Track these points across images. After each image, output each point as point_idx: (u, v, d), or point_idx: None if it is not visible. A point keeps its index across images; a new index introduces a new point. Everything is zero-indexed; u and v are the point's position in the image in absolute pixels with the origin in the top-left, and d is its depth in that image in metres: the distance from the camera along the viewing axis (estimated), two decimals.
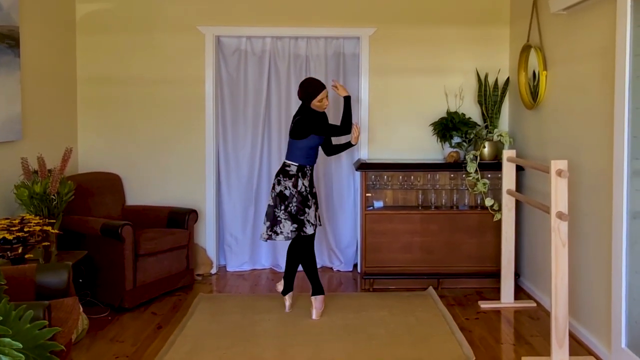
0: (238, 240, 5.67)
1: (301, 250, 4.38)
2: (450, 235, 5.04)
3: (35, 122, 4.64)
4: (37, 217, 3.89)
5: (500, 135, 5.01)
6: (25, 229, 3.72)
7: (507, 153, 4.55)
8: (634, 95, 3.27)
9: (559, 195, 3.54)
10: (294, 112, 5.52)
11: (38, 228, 3.78)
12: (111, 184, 5.28)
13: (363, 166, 5.10)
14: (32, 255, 3.69)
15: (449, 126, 5.26)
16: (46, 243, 3.89)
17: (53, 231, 3.95)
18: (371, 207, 5.13)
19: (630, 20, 3.25)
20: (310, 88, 4.29)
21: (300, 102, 4.42)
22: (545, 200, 3.84)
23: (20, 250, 3.63)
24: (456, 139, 5.34)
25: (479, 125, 5.32)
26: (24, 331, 2.38)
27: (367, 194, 5.14)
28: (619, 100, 3.35)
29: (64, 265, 3.26)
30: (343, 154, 5.61)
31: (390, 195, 5.28)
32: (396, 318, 4.30)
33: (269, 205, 4.34)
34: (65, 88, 5.25)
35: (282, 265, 5.65)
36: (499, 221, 4.76)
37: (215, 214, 5.56)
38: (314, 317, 4.29)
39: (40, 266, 3.25)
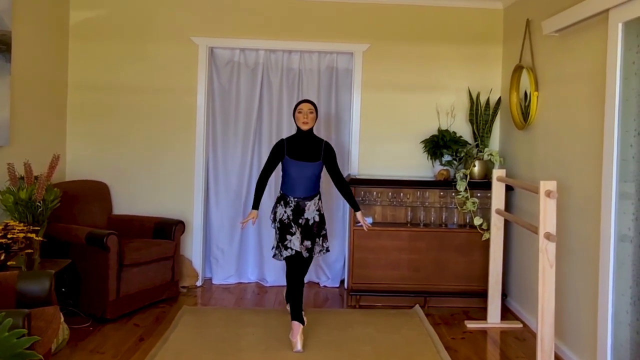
0: (225, 253, 5.63)
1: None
2: (438, 253, 5.02)
3: (24, 128, 4.59)
4: (22, 224, 3.83)
5: (491, 154, 5.03)
6: (9, 236, 3.66)
7: (497, 172, 4.55)
8: (623, 118, 3.29)
9: (547, 216, 3.54)
10: (285, 125, 5.57)
11: (22, 235, 3.73)
12: (98, 192, 5.23)
13: (353, 181, 5.08)
14: (14, 263, 3.64)
15: (439, 144, 5.27)
16: (29, 250, 3.83)
17: (37, 238, 3.89)
18: (360, 224, 5.09)
19: (621, 43, 3.29)
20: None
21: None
22: (534, 221, 3.84)
23: (2, 257, 3.57)
24: (447, 157, 5.35)
25: (470, 144, 5.34)
26: (1, 339, 2.34)
27: None
28: (609, 123, 3.37)
29: (46, 273, 3.21)
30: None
31: (379, 212, 5.27)
32: (382, 336, 4.27)
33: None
34: (56, 94, 5.21)
35: (268, 280, 5.63)
36: (487, 240, 4.76)
37: (202, 226, 5.53)
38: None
39: (22, 274, 3.21)
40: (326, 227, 4.41)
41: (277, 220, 4.24)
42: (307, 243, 4.23)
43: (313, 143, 4.28)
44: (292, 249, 4.14)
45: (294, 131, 4.47)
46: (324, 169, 4.34)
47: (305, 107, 4.26)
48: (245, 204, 5.61)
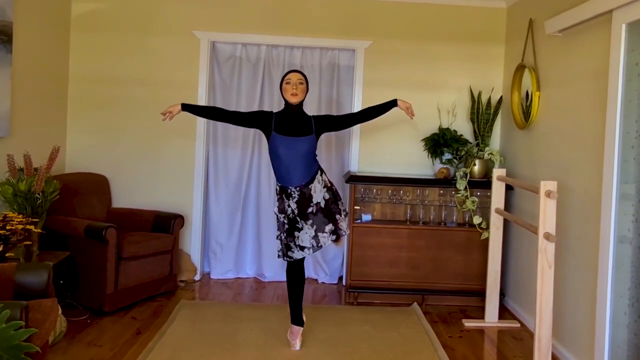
0: (223, 248, 5.63)
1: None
2: (437, 251, 5.02)
3: (24, 119, 4.58)
4: (20, 216, 3.83)
5: (491, 153, 5.02)
6: (7, 227, 3.66)
7: (497, 172, 4.55)
8: (625, 119, 3.29)
9: (547, 216, 3.54)
10: None
11: (20, 227, 3.72)
12: (98, 185, 5.22)
13: (352, 178, 5.07)
14: (12, 254, 3.63)
15: (440, 142, 5.26)
16: (28, 242, 3.83)
17: (36, 230, 3.89)
18: (359, 220, 5.10)
19: (624, 44, 3.27)
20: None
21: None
22: (534, 221, 3.84)
23: (0, 249, 3.57)
24: (447, 156, 5.35)
25: (470, 143, 5.33)
26: None
27: (356, 207, 5.12)
28: (610, 124, 3.36)
29: (45, 265, 3.21)
30: (333, 163, 5.61)
31: (378, 209, 5.27)
32: (379, 333, 4.27)
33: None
34: (57, 86, 5.20)
35: (266, 275, 5.62)
36: (486, 240, 4.76)
37: (201, 220, 5.52)
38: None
39: (20, 265, 3.20)
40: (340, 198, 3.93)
41: (284, 214, 3.82)
42: (330, 227, 3.77)
43: (302, 119, 3.80)
44: (303, 248, 3.75)
45: None
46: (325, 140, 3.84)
47: (294, 77, 3.78)
48: (245, 199, 5.61)
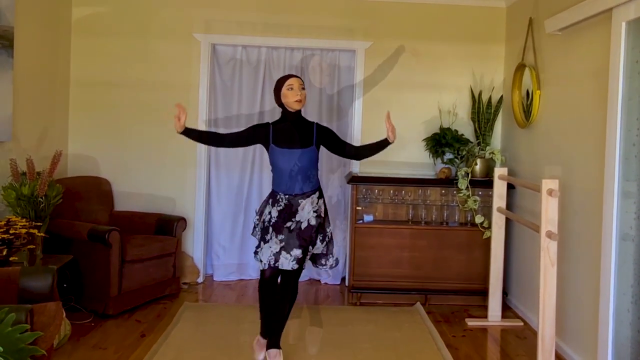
0: (226, 250, 5.64)
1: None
2: (439, 251, 5.02)
3: (26, 124, 4.60)
4: (24, 220, 3.84)
5: (493, 152, 5.03)
6: (11, 231, 3.67)
7: (499, 171, 4.55)
8: (626, 116, 3.29)
9: (549, 215, 3.54)
10: None
11: (24, 231, 3.73)
12: (100, 188, 5.23)
13: (354, 179, 5.09)
14: (16, 258, 3.64)
15: (441, 142, 5.27)
16: (32, 246, 3.84)
17: (39, 234, 3.90)
18: (361, 221, 5.11)
19: (625, 42, 3.28)
20: (276, 83, 3.62)
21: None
22: (536, 219, 3.84)
23: (4, 253, 3.58)
24: (448, 155, 5.35)
25: (472, 142, 5.33)
26: (4, 335, 2.35)
27: (358, 207, 5.13)
28: (611, 122, 3.37)
29: (49, 269, 3.22)
30: (335, 164, 5.62)
31: (380, 210, 5.27)
32: (382, 333, 4.27)
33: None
34: (58, 90, 5.21)
35: None
36: (489, 239, 4.76)
37: (204, 223, 5.53)
38: None
39: (25, 269, 3.21)
40: (331, 232, 3.69)
41: (262, 220, 3.62)
42: (297, 252, 3.43)
43: (303, 127, 3.58)
44: (261, 262, 3.48)
45: None
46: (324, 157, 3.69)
47: (296, 82, 3.51)
48: (247, 201, 5.61)
